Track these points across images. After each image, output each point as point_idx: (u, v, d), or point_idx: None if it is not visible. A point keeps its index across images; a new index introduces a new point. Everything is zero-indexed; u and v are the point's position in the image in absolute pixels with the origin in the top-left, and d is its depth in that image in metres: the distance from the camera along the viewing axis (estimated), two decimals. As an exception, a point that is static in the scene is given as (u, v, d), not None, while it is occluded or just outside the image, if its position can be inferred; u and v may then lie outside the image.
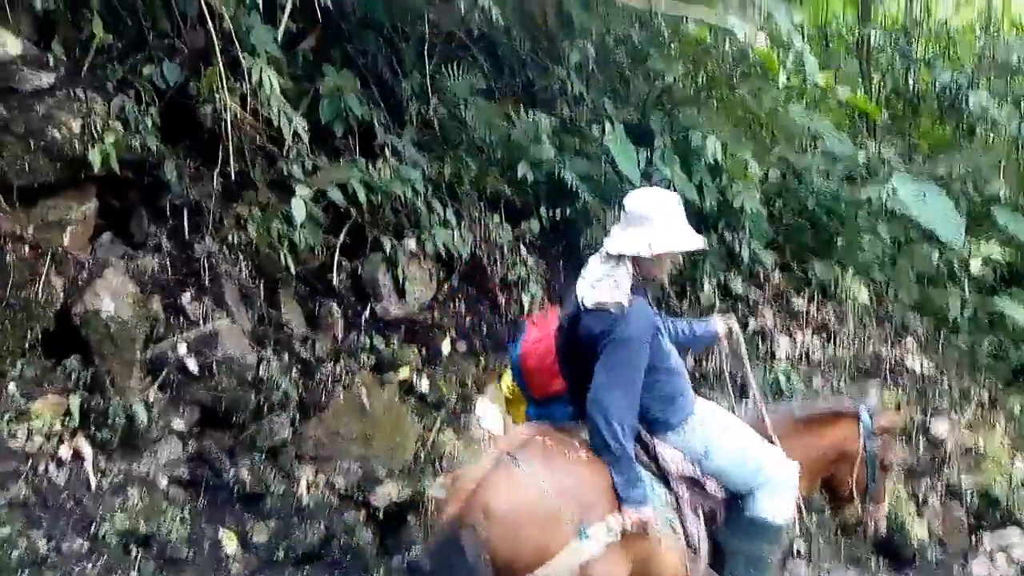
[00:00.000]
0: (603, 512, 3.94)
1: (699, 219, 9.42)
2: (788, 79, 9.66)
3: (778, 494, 4.39)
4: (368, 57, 7.24)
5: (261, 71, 5.76)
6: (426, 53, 7.45)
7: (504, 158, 7.82)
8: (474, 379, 7.33)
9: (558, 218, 8.09)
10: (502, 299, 7.68)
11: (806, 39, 10.50)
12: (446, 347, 7.28)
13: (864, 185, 10.64)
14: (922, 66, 11.93)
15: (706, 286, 9.52)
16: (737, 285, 9.75)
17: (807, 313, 10.02)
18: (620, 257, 4.10)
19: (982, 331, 10.63)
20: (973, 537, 8.68)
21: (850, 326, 10.08)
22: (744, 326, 9.77)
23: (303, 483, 6.13)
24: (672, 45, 9.00)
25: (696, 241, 4.24)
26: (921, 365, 9.81)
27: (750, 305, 9.85)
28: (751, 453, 4.42)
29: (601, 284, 4.08)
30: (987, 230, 10.75)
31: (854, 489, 5.03)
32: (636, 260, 4.11)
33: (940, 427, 9.08)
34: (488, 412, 7.16)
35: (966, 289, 10.47)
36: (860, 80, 12.01)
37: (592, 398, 4.01)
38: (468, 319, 7.55)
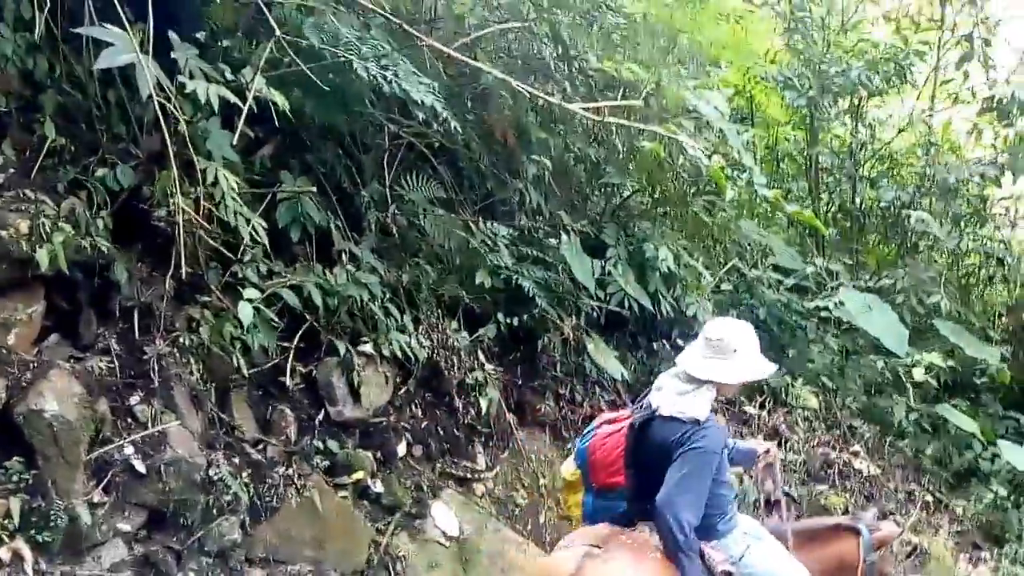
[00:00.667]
0: None
1: (653, 326, 9.14)
2: (738, 195, 9.48)
3: None
4: (327, 165, 6.92)
5: (216, 172, 5.43)
6: (386, 163, 7.18)
7: (463, 266, 7.48)
8: (430, 483, 6.89)
9: (515, 324, 7.70)
10: (459, 403, 7.28)
11: (758, 160, 10.37)
12: (402, 450, 6.86)
13: (813, 298, 10.43)
14: (867, 185, 11.81)
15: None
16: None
17: (759, 419, 9.68)
18: (707, 381, 4.24)
19: (926, 437, 10.39)
20: (922, 636, 8.28)
21: (800, 431, 9.74)
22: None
23: (252, 587, 5.66)
24: (628, 162, 8.76)
25: (771, 368, 4.46)
26: (868, 469, 9.45)
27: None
28: (781, 565, 4.55)
29: (684, 399, 4.21)
30: (929, 340, 10.53)
31: None
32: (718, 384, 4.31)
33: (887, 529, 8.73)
34: (443, 515, 6.71)
35: (911, 397, 10.23)
36: (809, 198, 11.88)
37: (666, 500, 4.06)
38: (424, 423, 7.13)
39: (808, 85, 10.95)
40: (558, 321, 7.92)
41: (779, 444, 9.44)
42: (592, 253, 8.12)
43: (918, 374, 9.96)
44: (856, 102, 11.55)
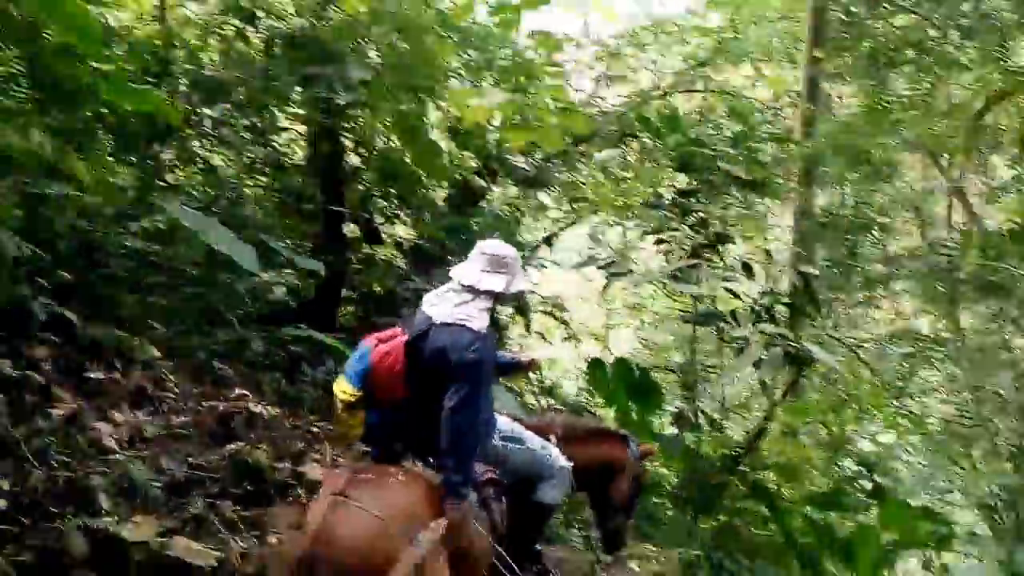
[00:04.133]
0: (427, 520, 3.70)
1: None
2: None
3: (556, 485, 4.48)
4: None
5: None
6: None
7: None
8: None
9: None
10: None
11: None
12: None
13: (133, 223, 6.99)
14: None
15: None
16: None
17: (109, 383, 6.10)
18: (486, 292, 3.98)
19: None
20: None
21: (173, 389, 6.45)
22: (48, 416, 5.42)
23: None
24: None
25: (533, 282, 3.25)
26: (265, 411, 6.59)
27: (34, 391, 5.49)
28: (538, 455, 4.40)
29: (462, 309, 3.92)
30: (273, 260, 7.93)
31: (621, 501, 5.02)
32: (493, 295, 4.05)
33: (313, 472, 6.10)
34: None
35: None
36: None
37: (454, 410, 3.72)
38: None
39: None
40: None
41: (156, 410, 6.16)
42: None
43: (280, 292, 7.39)
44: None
